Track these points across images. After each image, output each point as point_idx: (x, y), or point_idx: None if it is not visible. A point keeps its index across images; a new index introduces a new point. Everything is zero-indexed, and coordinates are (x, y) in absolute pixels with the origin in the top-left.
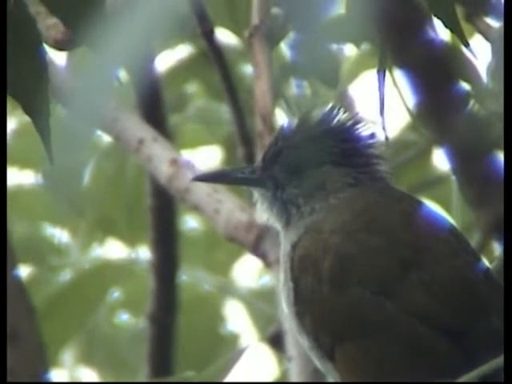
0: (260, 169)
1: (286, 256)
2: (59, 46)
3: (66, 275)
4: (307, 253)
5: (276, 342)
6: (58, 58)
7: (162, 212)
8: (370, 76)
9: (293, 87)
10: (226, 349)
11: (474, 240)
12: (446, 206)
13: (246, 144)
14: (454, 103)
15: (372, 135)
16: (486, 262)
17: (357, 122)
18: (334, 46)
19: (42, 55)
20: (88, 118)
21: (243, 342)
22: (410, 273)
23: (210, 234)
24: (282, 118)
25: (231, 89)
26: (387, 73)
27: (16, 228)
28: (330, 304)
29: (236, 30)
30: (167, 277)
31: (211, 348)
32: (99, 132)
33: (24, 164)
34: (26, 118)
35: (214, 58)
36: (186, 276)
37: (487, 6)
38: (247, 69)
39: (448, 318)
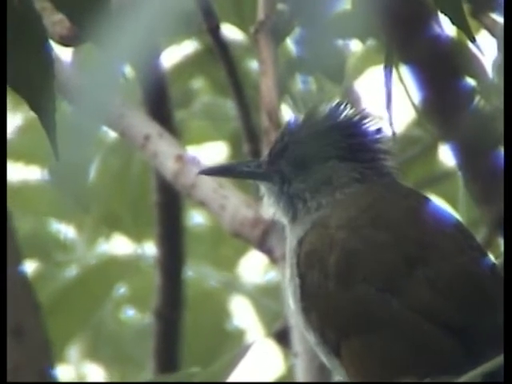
0: (266, 163)
1: (292, 251)
2: (65, 42)
3: (71, 271)
4: (313, 248)
5: (282, 337)
6: (63, 54)
7: (168, 208)
8: (375, 72)
9: (298, 83)
10: (232, 345)
11: (480, 236)
12: (453, 202)
13: (252, 140)
14: (460, 99)
15: (379, 130)
16: (491, 257)
17: (363, 117)
18: (340, 42)
19: (47, 51)
20: (94, 114)
21: (249, 337)
22: (416, 269)
23: (216, 230)
24: (287, 114)
25: (237, 85)
26: (393, 69)
27: (22, 224)
28: (335, 300)
29: (242, 25)
30: (173, 272)
31: (217, 344)
32: (105, 128)
33: (30, 160)
34: (32, 114)
35: (219, 53)
36: (192, 272)
37: (493, 2)
38: (253, 65)
39: (453, 314)
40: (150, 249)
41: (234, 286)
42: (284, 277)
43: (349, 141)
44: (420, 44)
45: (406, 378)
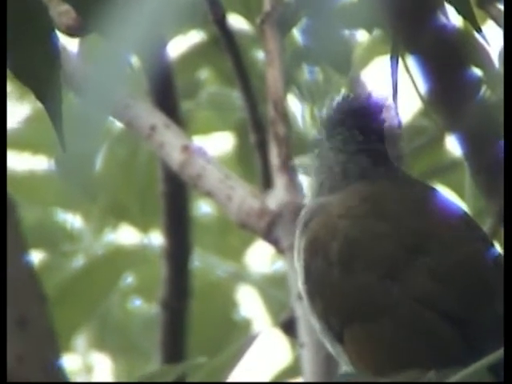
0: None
1: (299, 232)
2: (71, 33)
3: (78, 261)
4: (316, 236)
5: (288, 327)
6: (69, 44)
7: (175, 198)
8: (382, 62)
9: (305, 73)
10: (239, 335)
11: (486, 226)
12: (459, 192)
13: (258, 130)
14: (467, 89)
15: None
16: (498, 248)
17: (374, 105)
18: (346, 32)
19: (54, 42)
20: (100, 105)
21: (256, 327)
22: (417, 259)
23: (223, 220)
24: (293, 104)
25: (243, 75)
26: (399, 59)
27: (28, 214)
28: (338, 287)
29: (248, 16)
30: (180, 263)
31: (224, 334)
32: (111, 118)
33: (36, 150)
34: (39, 104)
35: (225, 44)
36: (199, 262)
37: None
38: (259, 55)
39: (453, 304)
40: (157, 239)
41: (240, 276)
42: (291, 267)
43: (360, 130)
44: (426, 34)
45: (407, 366)
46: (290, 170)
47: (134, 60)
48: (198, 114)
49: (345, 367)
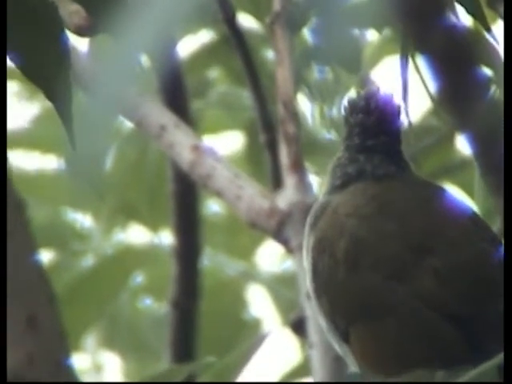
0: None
1: (308, 231)
2: (81, 32)
3: (88, 260)
4: (324, 235)
5: (298, 327)
6: (79, 44)
7: (184, 197)
8: (392, 61)
9: (315, 73)
10: (249, 334)
11: (495, 225)
12: (469, 192)
13: (268, 130)
14: (476, 89)
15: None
16: None
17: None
18: (356, 31)
19: (64, 41)
20: (110, 104)
21: (265, 327)
22: (423, 259)
23: (233, 219)
24: (303, 104)
25: (253, 75)
26: (409, 58)
27: (37, 213)
28: (343, 286)
29: (258, 15)
30: (189, 262)
31: (233, 333)
32: (121, 118)
33: (46, 149)
34: (48, 104)
35: (235, 43)
36: (209, 261)
37: None
38: (269, 54)
39: (457, 305)
40: (167, 238)
41: (250, 275)
42: (300, 266)
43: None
44: (436, 33)
45: (412, 366)
46: (299, 170)
47: (144, 59)
48: (207, 113)
49: (352, 367)
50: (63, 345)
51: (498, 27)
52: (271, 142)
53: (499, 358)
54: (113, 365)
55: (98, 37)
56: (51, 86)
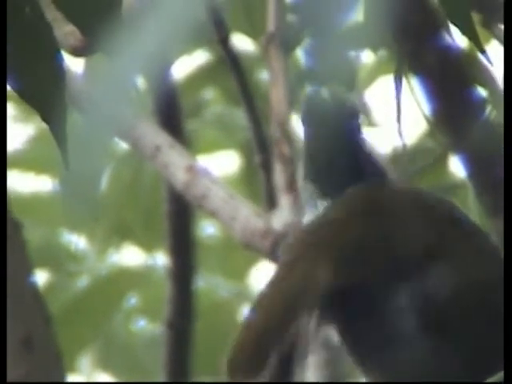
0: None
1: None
2: (76, 53)
3: (82, 281)
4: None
5: None
6: (75, 64)
7: (179, 218)
8: (386, 82)
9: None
10: None
11: None
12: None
13: (263, 150)
14: (471, 109)
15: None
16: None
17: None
18: (351, 53)
19: (59, 62)
20: (105, 125)
21: None
22: (427, 264)
23: (227, 240)
24: (298, 125)
25: (248, 95)
26: (404, 79)
27: (33, 234)
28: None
29: (252, 36)
30: (184, 283)
31: (228, 354)
32: (116, 139)
33: (41, 170)
34: (43, 125)
35: (230, 64)
36: (203, 282)
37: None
38: (263, 75)
39: (456, 315)
40: (161, 259)
41: (244, 296)
42: None
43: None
44: (430, 54)
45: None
46: (294, 190)
47: (140, 80)
48: (202, 133)
49: None
50: (58, 365)
51: (493, 48)
52: (266, 162)
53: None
54: None
55: (93, 58)
56: (46, 107)
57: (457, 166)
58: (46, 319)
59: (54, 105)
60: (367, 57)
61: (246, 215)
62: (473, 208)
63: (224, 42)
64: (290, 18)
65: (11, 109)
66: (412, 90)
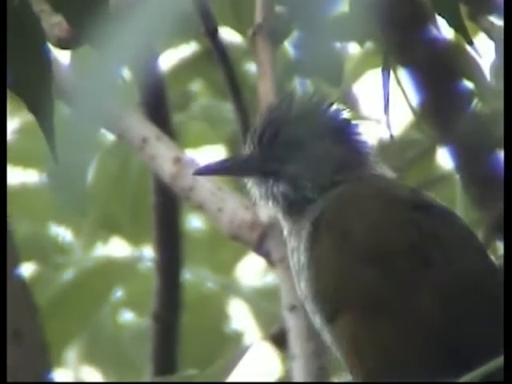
0: (259, 152)
1: (304, 236)
2: (63, 45)
3: (69, 274)
4: (334, 218)
5: (279, 340)
6: (61, 56)
7: (166, 211)
8: (373, 74)
9: (296, 86)
10: (230, 347)
11: (479, 237)
12: (451, 205)
13: None
14: (458, 102)
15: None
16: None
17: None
18: (338, 45)
19: (46, 53)
20: (92, 117)
21: (247, 340)
22: (417, 255)
23: (214, 233)
24: None
25: (235, 87)
26: (391, 71)
27: (20, 227)
28: (344, 271)
29: (240, 28)
30: (171, 275)
31: (215, 346)
32: (103, 131)
33: (28, 163)
34: (30, 117)
35: (217, 56)
36: (190, 275)
37: (491, 5)
38: (251, 67)
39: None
40: (148, 252)
41: (231, 288)
42: (282, 280)
43: (337, 125)
44: (418, 47)
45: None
46: None
47: (126, 72)
48: (190, 126)
49: (335, 380)
50: (46, 358)
51: (480, 40)
52: None
53: (484, 368)
54: (94, 379)
55: (80, 49)
56: (33, 99)
57: (444, 158)
58: (34, 312)
59: (40, 96)
60: (354, 49)
61: (234, 207)
62: (460, 200)
63: (211, 34)
64: (278, 9)
65: None
66: (399, 82)
